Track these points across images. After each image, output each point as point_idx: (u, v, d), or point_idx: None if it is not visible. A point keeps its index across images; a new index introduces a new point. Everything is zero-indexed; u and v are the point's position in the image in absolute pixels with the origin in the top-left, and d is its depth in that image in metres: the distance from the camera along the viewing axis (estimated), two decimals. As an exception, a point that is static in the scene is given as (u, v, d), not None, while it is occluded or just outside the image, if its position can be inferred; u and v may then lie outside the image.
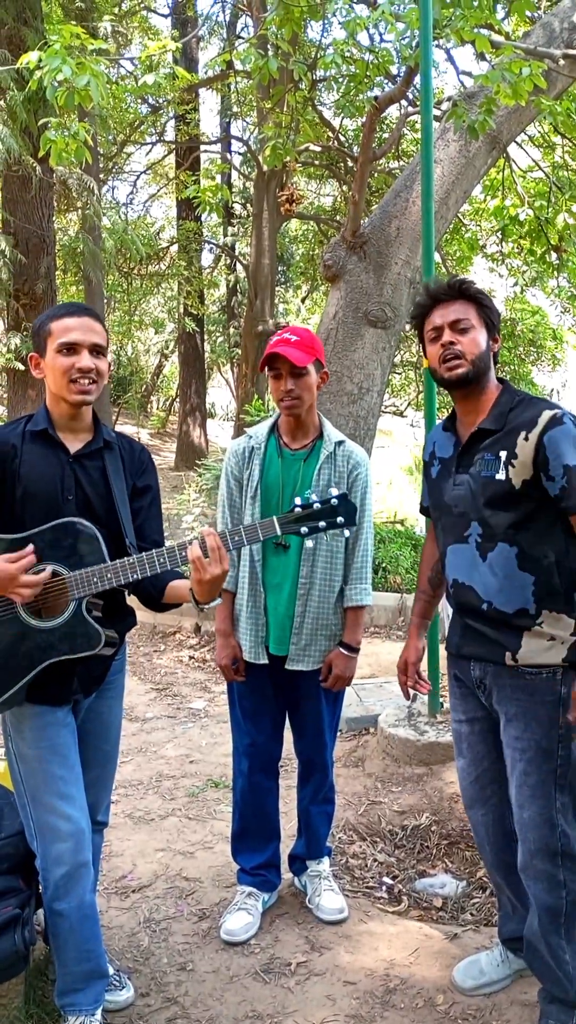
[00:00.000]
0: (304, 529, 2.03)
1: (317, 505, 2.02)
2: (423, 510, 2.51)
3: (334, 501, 2.02)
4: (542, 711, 2.12)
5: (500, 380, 2.29)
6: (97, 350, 2.14)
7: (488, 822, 2.39)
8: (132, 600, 2.34)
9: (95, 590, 2.06)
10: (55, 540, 2.08)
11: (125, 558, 2.06)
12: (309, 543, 2.60)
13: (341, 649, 2.69)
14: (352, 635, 2.72)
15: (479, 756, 2.36)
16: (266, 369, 2.62)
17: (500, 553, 2.14)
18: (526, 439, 2.08)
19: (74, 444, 2.20)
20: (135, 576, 2.05)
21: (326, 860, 2.96)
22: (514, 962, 2.48)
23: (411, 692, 2.60)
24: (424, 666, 2.85)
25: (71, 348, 2.10)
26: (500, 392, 2.24)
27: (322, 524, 2.03)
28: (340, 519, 2.02)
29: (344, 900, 2.86)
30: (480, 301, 2.24)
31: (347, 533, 2.56)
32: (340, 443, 2.69)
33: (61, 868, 2.17)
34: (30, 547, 2.04)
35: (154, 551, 2.05)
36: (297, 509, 2.03)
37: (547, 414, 2.08)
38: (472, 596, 2.20)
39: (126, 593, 2.30)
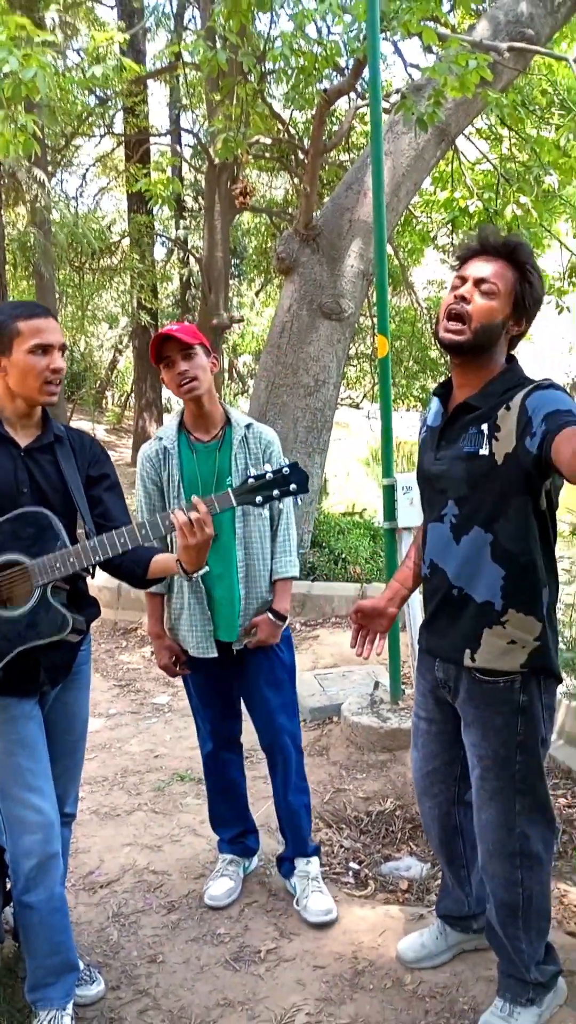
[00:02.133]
0: (259, 499, 2.06)
1: (270, 475, 2.06)
2: None
3: (286, 470, 2.07)
4: (499, 720, 2.09)
5: (510, 361, 2.12)
6: (62, 350, 2.17)
7: (435, 815, 2.44)
8: (97, 591, 2.35)
9: (58, 576, 2.09)
10: (13, 531, 2.10)
11: (85, 542, 2.09)
12: (239, 528, 2.67)
13: (269, 615, 2.74)
14: (280, 603, 2.77)
15: (431, 754, 2.38)
16: (158, 364, 2.63)
17: (474, 539, 2.06)
18: (507, 408, 1.96)
19: (24, 439, 2.21)
20: (97, 558, 2.08)
21: (315, 860, 2.95)
22: (451, 935, 2.55)
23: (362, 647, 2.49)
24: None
25: (45, 349, 2.11)
26: (503, 371, 2.07)
27: (276, 492, 2.06)
28: (293, 486, 2.06)
29: (332, 901, 2.84)
30: (526, 275, 2.02)
31: (300, 501, 2.59)
32: (248, 426, 2.73)
33: (31, 860, 2.19)
34: None
35: (114, 532, 2.08)
36: (251, 480, 2.07)
37: (531, 385, 1.97)
38: (442, 579, 2.15)
39: (87, 583, 2.31)
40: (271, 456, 2.72)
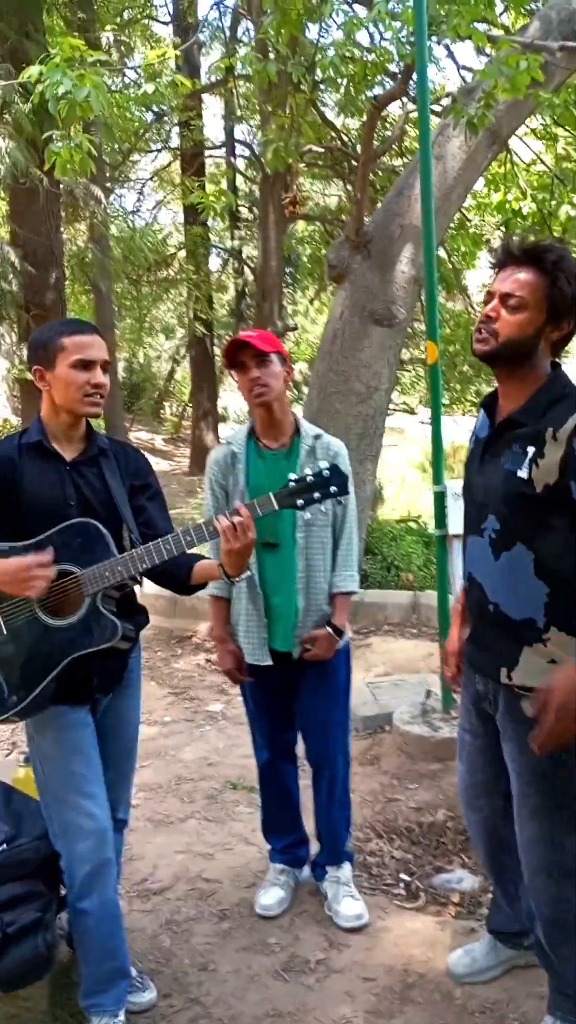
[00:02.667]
0: (300, 502, 2.08)
1: (310, 478, 2.08)
2: None
3: (326, 472, 2.08)
4: None
5: (555, 367, 2.08)
6: (105, 366, 2.22)
7: (480, 829, 2.41)
8: (142, 601, 2.40)
9: (107, 584, 2.13)
10: (63, 542, 2.15)
11: (132, 550, 2.13)
12: (300, 538, 2.66)
13: (328, 629, 2.72)
14: (339, 619, 2.76)
15: (474, 768, 2.35)
16: (232, 369, 2.66)
17: (517, 555, 2.01)
18: (555, 438, 1.91)
19: (70, 453, 2.27)
20: (144, 566, 2.12)
21: (347, 866, 2.97)
22: (502, 952, 2.51)
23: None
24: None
25: (87, 364, 2.17)
26: (547, 381, 2.03)
27: (316, 495, 2.07)
28: (333, 488, 2.07)
29: (363, 906, 2.85)
30: (555, 280, 1.96)
31: (342, 502, 2.57)
32: (318, 436, 2.74)
33: (85, 866, 2.23)
34: (49, 550, 2.10)
35: (159, 540, 2.12)
36: (291, 484, 2.09)
37: None
38: (480, 594, 2.12)
39: (137, 593, 2.35)
40: None
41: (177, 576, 2.32)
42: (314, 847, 3.06)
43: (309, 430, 2.74)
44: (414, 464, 16.54)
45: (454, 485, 3.90)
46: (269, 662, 2.74)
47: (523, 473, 1.95)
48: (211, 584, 2.75)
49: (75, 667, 2.19)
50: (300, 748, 2.99)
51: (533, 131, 9.45)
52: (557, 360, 2.10)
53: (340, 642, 2.76)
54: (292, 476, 2.10)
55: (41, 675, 2.16)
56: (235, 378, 2.66)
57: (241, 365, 2.62)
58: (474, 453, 2.19)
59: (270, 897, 2.92)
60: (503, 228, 9.11)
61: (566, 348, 2.12)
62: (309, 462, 2.67)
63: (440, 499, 3.95)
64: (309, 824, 3.09)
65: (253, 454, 2.73)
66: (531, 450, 1.95)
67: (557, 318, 1.99)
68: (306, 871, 3.08)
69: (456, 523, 3.91)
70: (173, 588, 2.38)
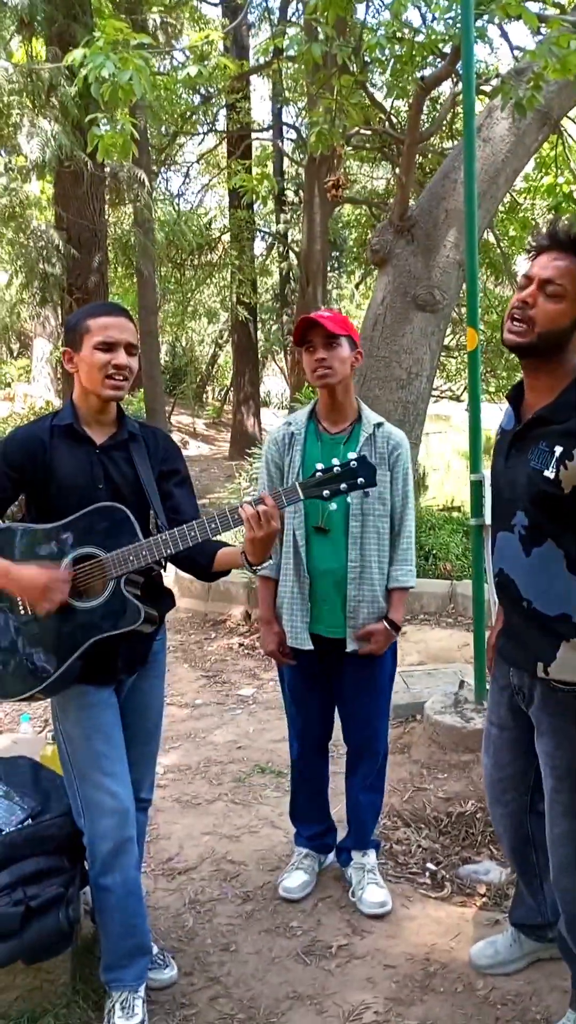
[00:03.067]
0: (326, 492, 2.06)
1: (337, 468, 2.05)
2: None
3: (353, 463, 2.05)
4: (574, 730, 2.03)
5: None
6: (130, 349, 2.21)
7: (506, 823, 2.38)
8: (176, 585, 2.40)
9: (131, 568, 2.14)
10: (90, 525, 2.17)
11: (158, 535, 2.14)
12: (355, 527, 2.63)
13: (386, 624, 2.70)
14: (395, 614, 2.73)
15: (502, 763, 2.32)
16: (299, 346, 2.64)
17: (547, 551, 1.97)
18: None
19: (100, 437, 2.28)
20: (168, 551, 2.13)
21: (372, 853, 2.96)
22: (526, 944, 2.48)
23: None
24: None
25: (109, 346, 2.17)
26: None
27: (343, 486, 2.05)
28: (360, 479, 2.04)
29: (387, 894, 2.85)
30: None
31: (366, 502, 2.56)
32: (379, 425, 2.70)
33: (107, 843, 2.26)
34: (68, 567, 2.16)
35: (184, 526, 2.12)
36: (319, 474, 2.07)
37: None
38: (513, 590, 2.08)
39: (162, 575, 2.36)
40: (396, 460, 2.68)
41: (199, 562, 2.32)
42: (341, 831, 3.05)
43: (371, 417, 2.70)
44: (459, 452, 16.38)
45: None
46: (310, 646, 2.71)
47: (550, 473, 1.91)
48: None
49: (100, 648, 2.20)
50: (335, 736, 2.97)
51: (586, 113, 9.23)
52: None
53: (395, 636, 2.74)
54: (319, 466, 2.08)
55: (65, 655, 2.18)
56: (302, 357, 2.64)
57: (309, 344, 2.61)
58: (500, 447, 2.15)
59: (293, 880, 2.93)
60: (553, 212, 8.93)
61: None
62: (367, 449, 2.64)
63: (477, 488, 3.90)
64: (336, 808, 3.10)
65: (312, 436, 2.71)
66: (559, 450, 1.90)
67: None
68: (331, 856, 3.08)
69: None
70: (195, 574, 2.39)
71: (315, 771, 2.97)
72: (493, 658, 2.40)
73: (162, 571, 2.32)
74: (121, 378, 2.19)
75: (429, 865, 3.08)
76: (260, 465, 2.80)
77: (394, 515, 2.71)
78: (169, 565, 2.32)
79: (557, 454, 1.90)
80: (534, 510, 1.98)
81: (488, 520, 3.88)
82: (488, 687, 2.41)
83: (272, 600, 2.81)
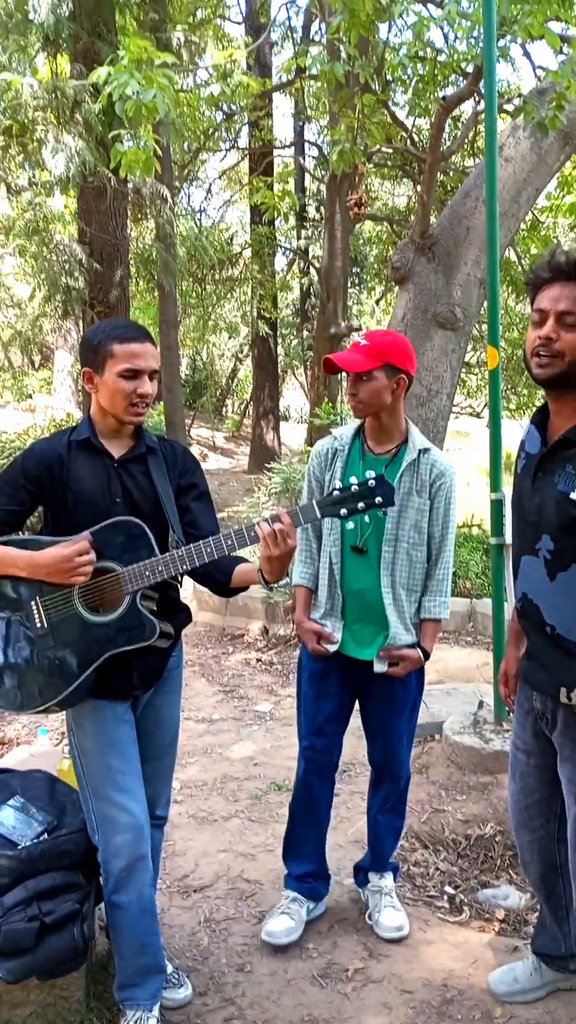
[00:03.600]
0: (343, 511, 2.06)
1: (355, 487, 2.05)
2: None
3: (372, 482, 2.04)
4: None
5: None
6: (153, 375, 2.22)
7: (533, 849, 2.35)
8: (194, 599, 2.40)
9: (148, 583, 2.14)
10: (107, 539, 2.17)
11: (175, 551, 2.14)
12: (387, 552, 2.60)
13: (419, 651, 2.66)
14: (428, 643, 2.70)
15: (529, 788, 2.29)
16: (334, 373, 2.64)
17: (573, 575, 1.98)
18: None
19: (118, 451, 2.28)
20: (184, 567, 2.12)
21: (390, 876, 2.92)
22: (546, 973, 2.44)
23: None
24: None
25: (134, 373, 2.17)
26: None
27: (360, 505, 2.04)
28: (378, 499, 2.04)
29: (404, 917, 2.80)
30: None
31: (384, 513, 2.53)
32: (425, 451, 2.65)
33: (121, 860, 2.25)
34: (84, 533, 2.14)
35: (200, 542, 2.12)
36: (336, 492, 2.06)
37: None
38: (537, 615, 2.07)
39: (179, 590, 2.35)
40: (439, 489, 2.62)
41: (217, 578, 2.32)
42: (359, 852, 3.02)
43: (419, 442, 2.66)
44: (480, 469, 16.32)
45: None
46: (334, 649, 2.66)
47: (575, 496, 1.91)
48: (297, 575, 2.77)
49: (116, 662, 2.20)
50: (346, 752, 2.94)
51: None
52: None
53: (423, 663, 2.70)
54: (337, 484, 2.08)
55: (79, 669, 2.18)
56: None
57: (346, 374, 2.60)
58: (526, 470, 2.13)
59: (278, 924, 2.75)
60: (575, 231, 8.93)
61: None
62: (409, 474, 2.61)
63: (498, 507, 3.88)
64: (352, 829, 3.06)
65: (356, 453, 2.69)
66: None
67: None
68: (320, 906, 2.92)
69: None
70: (213, 589, 2.38)
71: (317, 800, 2.84)
72: (511, 685, 2.39)
73: (179, 586, 2.32)
74: (144, 405, 2.20)
75: (447, 888, 3.04)
76: (285, 483, 2.79)
77: (431, 544, 2.66)
78: (186, 579, 2.32)
79: None
80: (561, 534, 1.97)
81: (509, 539, 3.86)
82: (513, 709, 2.38)
83: (307, 604, 2.77)
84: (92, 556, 2.13)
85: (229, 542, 2.11)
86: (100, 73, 4.59)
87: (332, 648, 2.68)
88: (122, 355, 2.16)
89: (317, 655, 2.73)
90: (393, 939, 2.75)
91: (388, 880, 2.90)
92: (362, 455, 2.68)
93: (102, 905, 2.45)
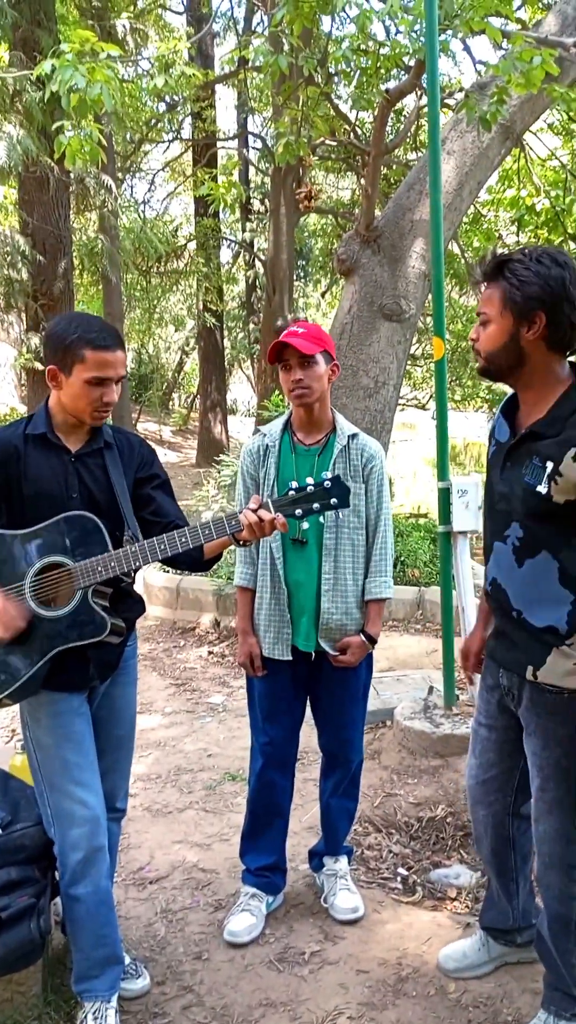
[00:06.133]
0: (299, 511, 2.08)
1: (311, 488, 2.07)
2: None
3: (327, 483, 2.06)
4: (562, 731, 2.07)
5: (574, 368, 2.05)
6: (119, 381, 2.21)
7: (488, 824, 2.40)
8: (145, 593, 2.40)
9: (99, 578, 2.13)
10: (60, 533, 2.16)
11: (128, 547, 2.13)
12: (328, 539, 2.63)
13: (362, 637, 2.70)
14: (373, 627, 2.73)
15: (489, 762, 2.35)
16: (276, 362, 2.64)
17: (541, 563, 2.02)
18: (574, 459, 1.91)
19: (74, 444, 2.26)
20: (137, 564, 2.13)
21: (344, 859, 2.96)
22: (493, 948, 2.52)
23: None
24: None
25: (102, 382, 2.15)
26: (569, 388, 2.00)
27: (316, 506, 2.07)
28: (334, 500, 2.06)
29: (359, 899, 2.85)
30: (508, 282, 1.96)
31: (341, 514, 2.58)
32: (353, 436, 2.70)
33: (77, 853, 2.24)
34: (24, 604, 2.17)
35: (165, 536, 2.12)
36: (291, 492, 2.09)
37: None
38: (504, 599, 2.13)
39: (132, 582, 2.35)
40: (371, 472, 2.67)
41: (192, 555, 2.31)
42: (313, 838, 3.05)
43: (346, 428, 2.70)
44: (426, 460, 16.54)
45: (459, 481, 3.89)
46: (288, 657, 2.70)
47: (542, 488, 1.96)
48: (237, 575, 2.78)
49: (71, 655, 2.19)
50: (302, 740, 2.98)
51: (550, 126, 9.40)
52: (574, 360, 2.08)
53: (371, 649, 2.75)
54: (293, 484, 2.09)
55: (29, 663, 2.17)
56: (279, 370, 2.63)
57: (285, 362, 2.60)
58: (495, 459, 2.18)
59: (239, 923, 2.75)
60: (517, 224, 9.08)
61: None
62: (341, 460, 2.65)
63: (445, 495, 3.94)
64: (307, 816, 3.10)
65: (287, 448, 2.71)
66: (550, 465, 1.95)
67: (522, 317, 1.96)
68: (279, 897, 2.93)
69: (460, 520, 3.90)
70: (190, 568, 2.39)
71: (276, 791, 2.84)
72: (473, 664, 2.45)
73: (131, 580, 2.31)
74: (107, 410, 2.19)
75: (400, 870, 3.10)
76: (235, 476, 2.80)
77: (368, 526, 2.71)
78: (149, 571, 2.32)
79: (548, 470, 1.95)
80: (529, 523, 2.03)
81: (456, 527, 3.93)
82: (463, 692, 2.44)
83: (250, 611, 2.79)
84: (18, 622, 2.14)
85: (207, 531, 2.11)
86: (45, 67, 4.51)
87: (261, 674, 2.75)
88: (93, 363, 2.12)
89: (247, 671, 2.79)
90: (348, 921, 2.79)
91: (343, 863, 2.94)
92: (292, 448, 2.70)
93: (58, 900, 2.44)
